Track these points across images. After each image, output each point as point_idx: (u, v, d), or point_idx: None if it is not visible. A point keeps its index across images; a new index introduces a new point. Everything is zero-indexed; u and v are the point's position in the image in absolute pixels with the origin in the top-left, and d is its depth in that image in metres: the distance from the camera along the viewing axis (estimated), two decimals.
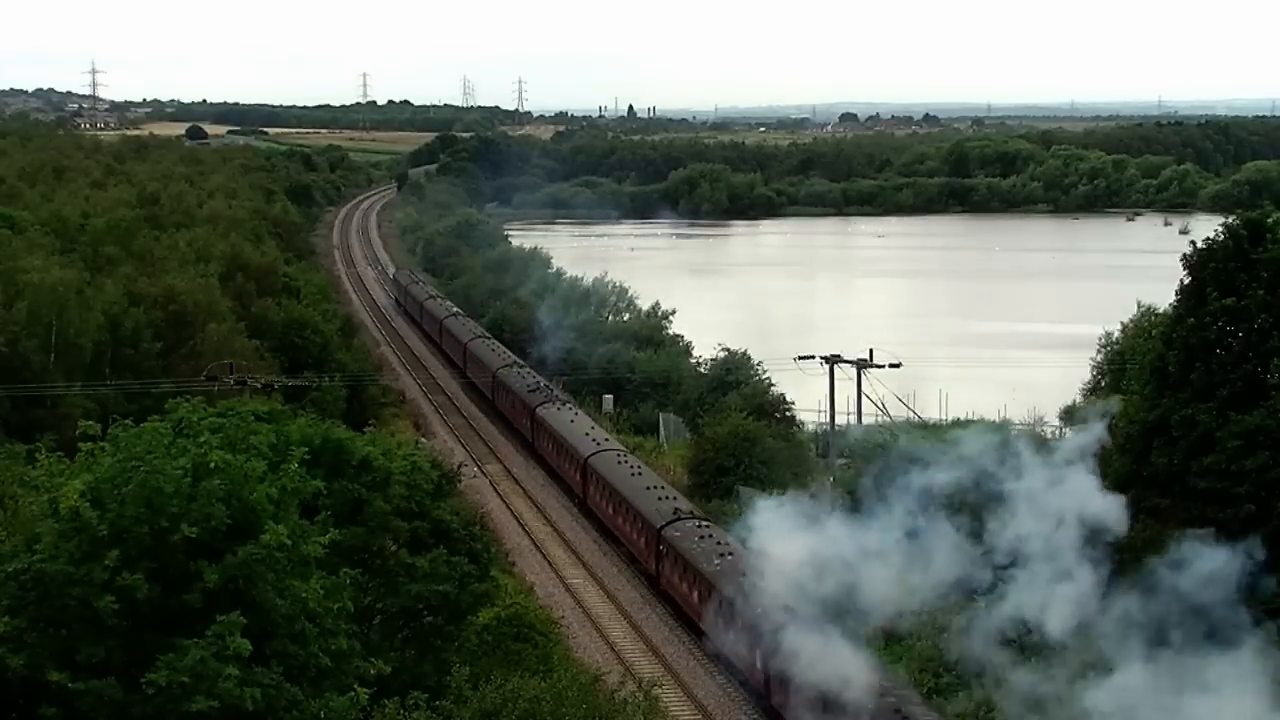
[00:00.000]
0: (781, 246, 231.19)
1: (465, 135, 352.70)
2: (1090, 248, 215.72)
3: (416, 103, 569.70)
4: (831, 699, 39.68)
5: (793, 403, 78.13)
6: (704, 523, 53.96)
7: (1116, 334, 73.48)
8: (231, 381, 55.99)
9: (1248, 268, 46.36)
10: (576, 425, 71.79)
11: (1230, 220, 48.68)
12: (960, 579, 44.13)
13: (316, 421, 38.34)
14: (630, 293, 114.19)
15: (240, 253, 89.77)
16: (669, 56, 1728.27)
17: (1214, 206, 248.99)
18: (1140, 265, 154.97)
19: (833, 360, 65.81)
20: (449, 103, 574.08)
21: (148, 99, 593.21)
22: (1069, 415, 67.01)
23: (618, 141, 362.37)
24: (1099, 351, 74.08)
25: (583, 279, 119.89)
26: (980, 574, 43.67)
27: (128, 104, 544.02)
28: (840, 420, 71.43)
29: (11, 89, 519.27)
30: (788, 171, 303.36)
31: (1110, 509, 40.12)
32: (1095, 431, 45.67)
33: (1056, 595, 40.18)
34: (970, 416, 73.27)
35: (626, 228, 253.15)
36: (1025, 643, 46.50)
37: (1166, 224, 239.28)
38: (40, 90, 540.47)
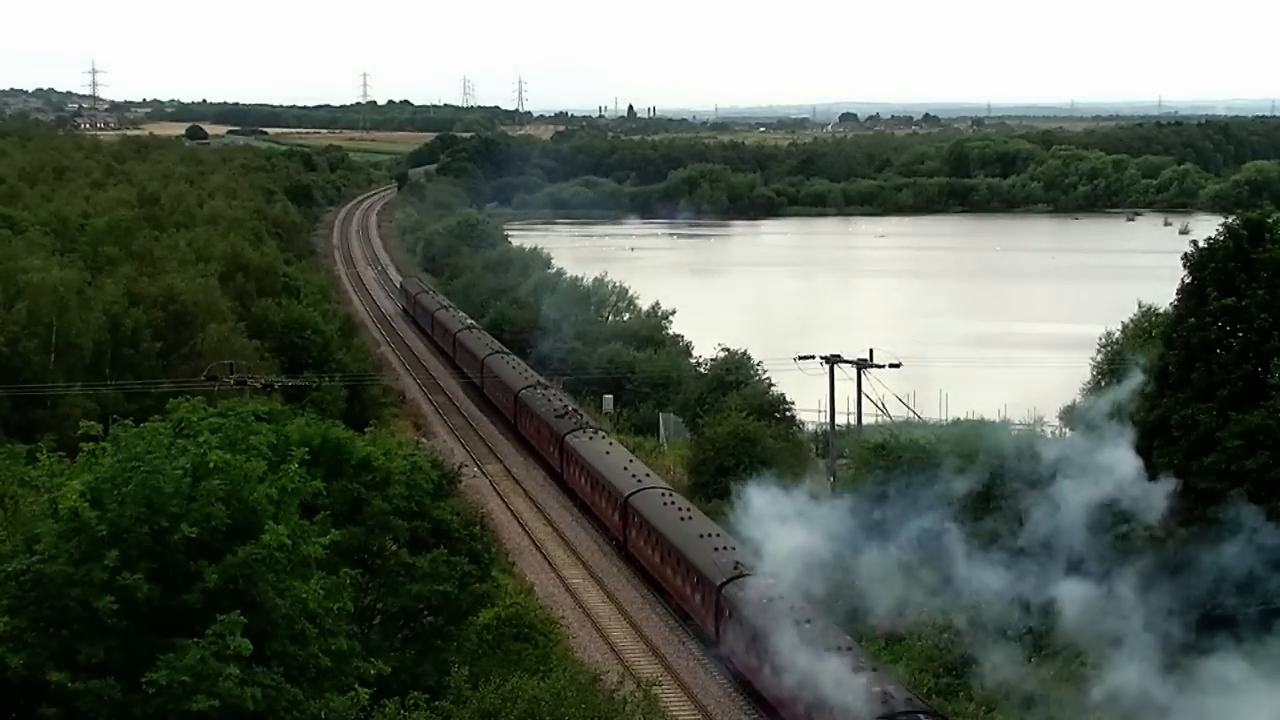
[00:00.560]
0: (782, 246, 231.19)
1: (465, 135, 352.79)
2: (1090, 248, 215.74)
3: (416, 103, 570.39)
4: None
5: (793, 403, 78.11)
6: (773, 583, 45.87)
7: (1117, 334, 73.42)
8: (231, 381, 55.99)
9: (1248, 268, 46.33)
10: (613, 458, 64.98)
11: (1230, 220, 48.64)
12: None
13: (316, 421, 38.34)
14: (630, 293, 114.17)
15: (240, 253, 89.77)
16: (669, 56, 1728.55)
17: (1214, 206, 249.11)
18: (1140, 265, 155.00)
19: (833, 360, 65.87)
20: (449, 103, 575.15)
21: (148, 99, 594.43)
22: (1069, 415, 66.91)
23: (618, 141, 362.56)
24: (1099, 351, 73.99)
25: (583, 279, 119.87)
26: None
27: (128, 104, 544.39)
28: (840, 420, 71.50)
29: (11, 89, 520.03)
30: (788, 171, 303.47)
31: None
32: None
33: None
34: (970, 416, 73.25)
35: (627, 228, 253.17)
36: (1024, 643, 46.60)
37: (1166, 224, 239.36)
38: (40, 90, 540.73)
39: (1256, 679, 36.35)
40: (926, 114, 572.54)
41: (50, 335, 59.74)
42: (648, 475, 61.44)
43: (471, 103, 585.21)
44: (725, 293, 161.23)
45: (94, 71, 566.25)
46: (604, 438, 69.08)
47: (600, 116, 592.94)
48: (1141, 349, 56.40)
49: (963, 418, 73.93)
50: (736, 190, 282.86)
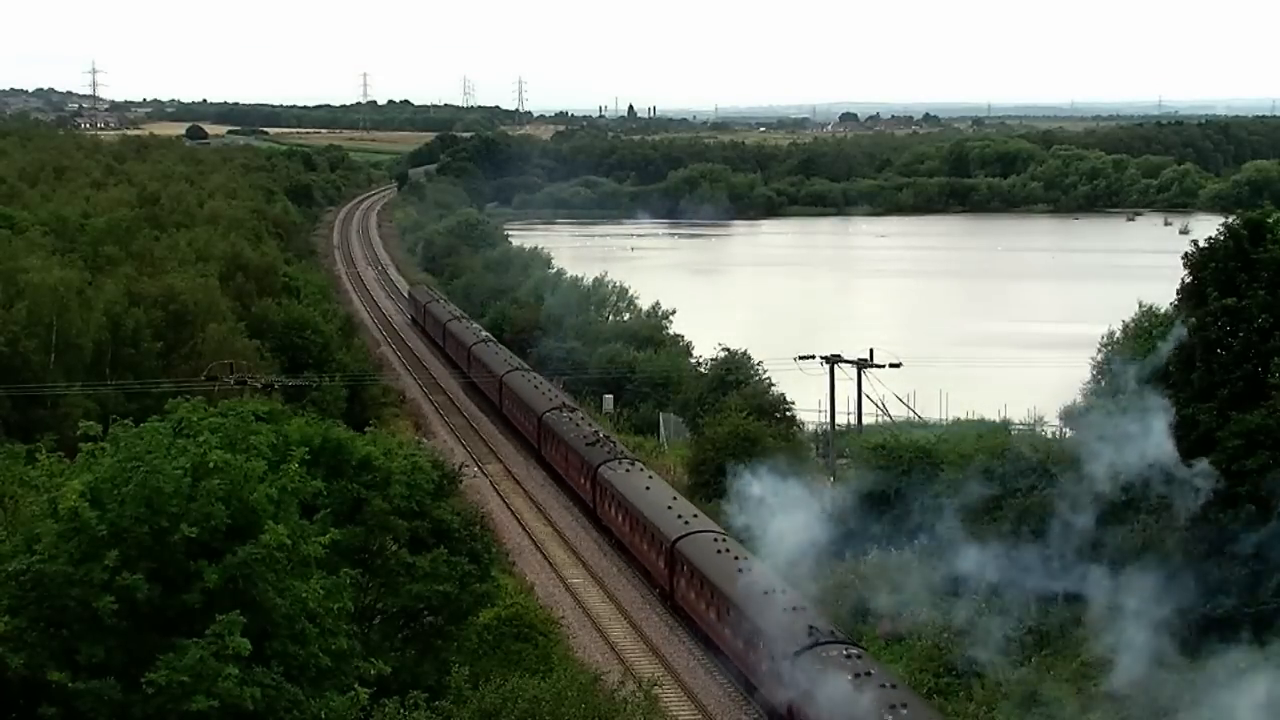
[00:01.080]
0: (782, 246, 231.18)
1: (465, 135, 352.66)
2: (1090, 247, 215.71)
3: (416, 103, 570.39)
4: None
5: (793, 402, 78.12)
6: (857, 653, 40.33)
7: (1118, 334, 73.44)
8: (231, 381, 55.98)
9: (1248, 268, 46.33)
10: (655, 494, 58.78)
11: (1230, 220, 48.65)
12: None
13: (316, 421, 38.31)
14: (630, 292, 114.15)
15: (240, 253, 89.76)
16: (669, 56, 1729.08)
17: (1214, 206, 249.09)
18: (1140, 265, 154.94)
19: (833, 360, 65.88)
20: (449, 103, 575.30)
21: (148, 99, 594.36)
22: (1069, 415, 66.91)
23: (618, 141, 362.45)
24: (1099, 351, 73.98)
25: (583, 279, 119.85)
26: None
27: (128, 104, 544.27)
28: (840, 420, 71.50)
29: (11, 89, 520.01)
30: (788, 171, 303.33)
31: None
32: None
33: None
34: (970, 416, 73.27)
35: (627, 227, 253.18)
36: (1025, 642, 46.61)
37: (1166, 224, 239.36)
38: (40, 90, 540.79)
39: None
40: (926, 114, 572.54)
41: (50, 335, 59.73)
42: (695, 516, 54.62)
43: (471, 103, 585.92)
44: (727, 293, 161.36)
45: (94, 71, 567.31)
46: (642, 470, 62.93)
47: (600, 116, 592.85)
48: (1141, 349, 56.41)
49: (963, 418, 73.98)
50: (736, 190, 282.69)
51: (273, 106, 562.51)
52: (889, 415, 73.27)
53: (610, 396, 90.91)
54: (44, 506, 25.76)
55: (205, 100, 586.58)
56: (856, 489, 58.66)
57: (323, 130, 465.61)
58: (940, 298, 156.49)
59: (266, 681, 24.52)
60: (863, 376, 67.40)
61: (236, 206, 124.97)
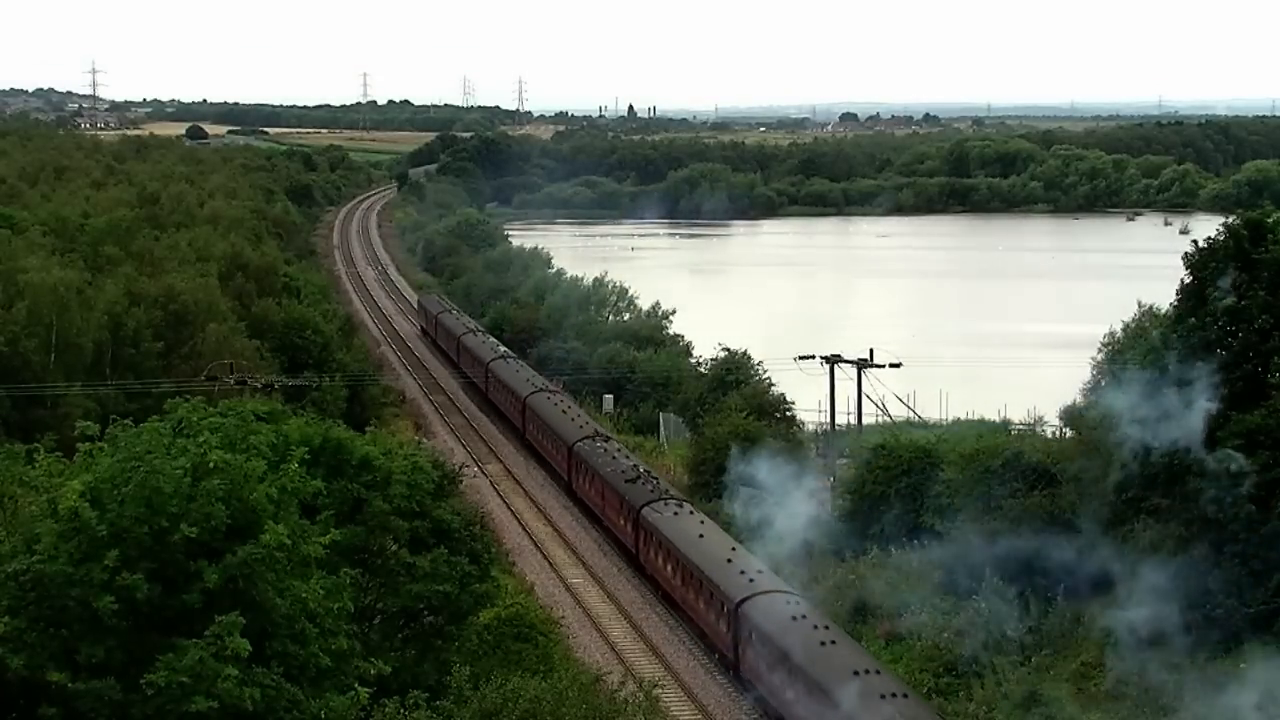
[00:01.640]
0: (783, 246, 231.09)
1: (465, 135, 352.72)
2: (1090, 247, 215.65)
3: (416, 103, 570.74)
4: None
5: (793, 402, 78.12)
6: None
7: (1119, 333, 73.43)
8: (231, 381, 56.00)
9: (1248, 268, 46.32)
10: (710, 544, 51.43)
11: (1231, 220, 48.63)
12: None
13: (316, 421, 38.31)
14: (630, 292, 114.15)
15: (240, 253, 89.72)
16: (669, 56, 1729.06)
17: (1214, 206, 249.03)
18: (1140, 265, 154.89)
19: (833, 360, 65.82)
20: (449, 103, 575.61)
21: (148, 99, 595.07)
22: (1069, 415, 66.88)
23: (618, 141, 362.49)
24: (1100, 350, 73.97)
25: (583, 279, 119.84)
26: None
27: (128, 104, 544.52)
28: (840, 420, 71.46)
29: (11, 89, 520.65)
30: (788, 171, 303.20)
31: None
32: None
33: None
34: (970, 416, 73.27)
35: (627, 227, 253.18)
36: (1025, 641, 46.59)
37: (1166, 224, 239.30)
38: (40, 90, 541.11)
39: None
40: (926, 114, 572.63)
41: (50, 335, 59.75)
42: (760, 572, 47.58)
43: (471, 103, 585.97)
44: (727, 293, 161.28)
45: (94, 71, 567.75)
46: (691, 513, 55.94)
47: (600, 116, 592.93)
48: (1141, 349, 56.33)
49: (963, 418, 73.98)
50: (737, 190, 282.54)
51: (273, 106, 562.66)
52: (889, 415, 73.24)
53: (610, 396, 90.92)
54: (44, 507, 25.74)
55: (205, 100, 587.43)
56: (856, 489, 58.74)
57: (323, 130, 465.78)
58: (940, 298, 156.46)
59: (266, 682, 24.50)
60: (863, 376, 67.35)
61: (236, 206, 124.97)
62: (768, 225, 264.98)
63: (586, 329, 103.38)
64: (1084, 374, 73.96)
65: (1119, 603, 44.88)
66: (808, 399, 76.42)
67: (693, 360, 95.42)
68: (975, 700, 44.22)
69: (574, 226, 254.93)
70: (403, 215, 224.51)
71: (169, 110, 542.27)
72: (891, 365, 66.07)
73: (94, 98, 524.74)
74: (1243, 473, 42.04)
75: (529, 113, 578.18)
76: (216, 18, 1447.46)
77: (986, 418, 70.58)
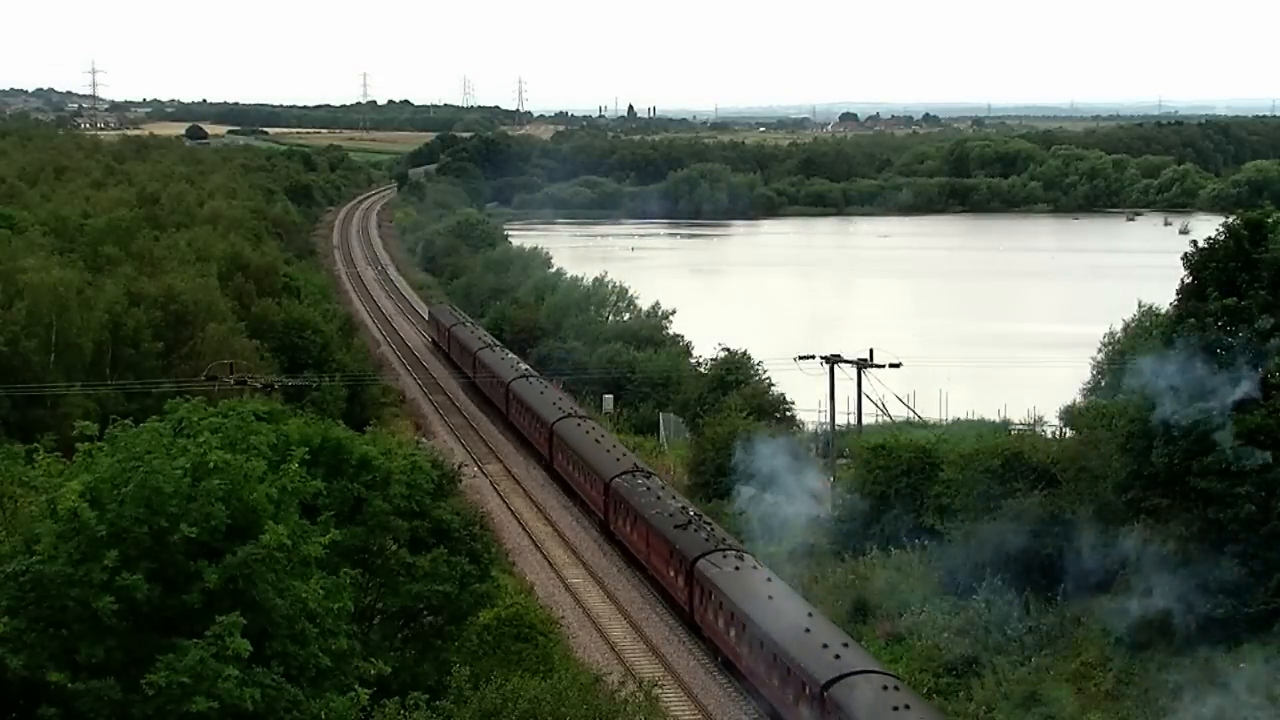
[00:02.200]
0: (784, 246, 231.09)
1: (465, 135, 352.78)
2: (1090, 247, 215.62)
3: (416, 103, 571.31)
4: None
5: (793, 402, 78.11)
6: None
7: (1119, 333, 73.47)
8: (231, 381, 55.99)
9: (1248, 267, 46.28)
10: (782, 607, 44.02)
11: (1231, 220, 48.59)
12: None
13: (316, 421, 38.30)
14: (630, 292, 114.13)
15: (240, 253, 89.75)
16: (669, 56, 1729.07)
17: (1214, 206, 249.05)
18: (1140, 265, 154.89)
19: (833, 360, 65.78)
20: (449, 103, 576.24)
21: (148, 99, 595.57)
22: (1069, 415, 66.92)
23: (618, 141, 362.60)
24: (1100, 350, 74.00)
25: (583, 279, 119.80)
26: None
27: (128, 104, 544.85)
28: (840, 420, 71.44)
29: (11, 89, 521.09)
30: (788, 171, 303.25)
31: None
32: None
33: None
34: (970, 416, 73.23)
35: (627, 227, 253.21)
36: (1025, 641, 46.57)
37: (1166, 224, 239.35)
38: (40, 90, 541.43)
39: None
40: (926, 114, 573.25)
41: (50, 335, 59.77)
42: (846, 646, 40.65)
43: (471, 103, 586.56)
44: (728, 292, 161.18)
45: (94, 71, 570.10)
46: (755, 568, 48.61)
47: (600, 116, 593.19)
48: (1141, 348, 56.34)
49: (963, 418, 73.94)
50: (736, 190, 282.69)
51: (273, 106, 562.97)
52: (889, 415, 73.23)
53: (610, 396, 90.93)
54: (43, 507, 25.71)
55: (205, 100, 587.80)
56: (856, 489, 58.72)
57: (323, 130, 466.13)
58: (940, 298, 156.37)
59: (266, 682, 24.49)
60: (862, 376, 67.33)
61: (236, 206, 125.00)
62: (767, 225, 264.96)
63: (586, 329, 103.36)
64: (1084, 374, 74.09)
65: (1119, 603, 44.90)
66: (808, 399, 76.45)
67: (693, 360, 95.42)
68: (975, 700, 44.23)
69: (574, 226, 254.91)
70: (403, 215, 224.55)
71: (169, 110, 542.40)
72: (891, 365, 66.04)
73: (94, 98, 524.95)
74: (1266, 466, 41.96)
75: (529, 113, 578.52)
76: (216, 18, 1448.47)
77: (986, 418, 70.52)
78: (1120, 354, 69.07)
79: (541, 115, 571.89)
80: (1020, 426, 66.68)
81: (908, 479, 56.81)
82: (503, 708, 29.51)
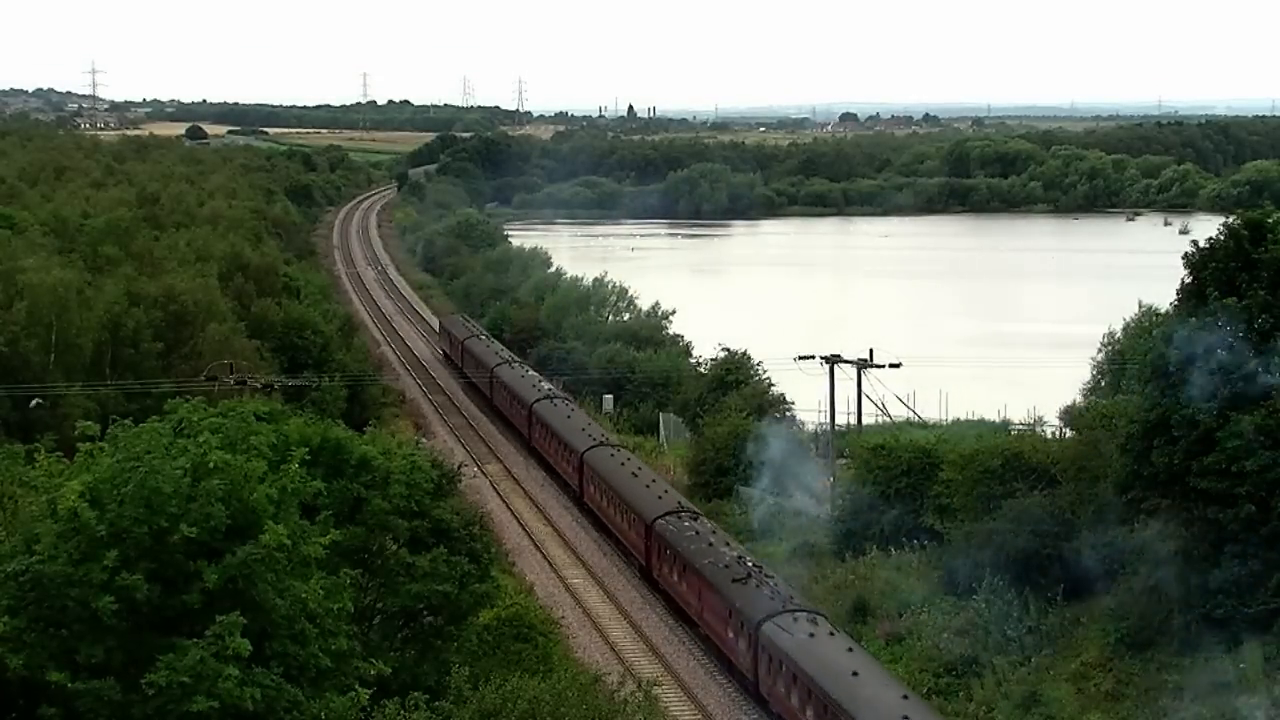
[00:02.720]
0: (784, 246, 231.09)
1: (465, 135, 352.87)
2: (1090, 248, 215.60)
3: (416, 103, 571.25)
4: None
5: (793, 403, 78.09)
6: None
7: (1119, 333, 73.49)
8: (231, 381, 55.96)
9: (1248, 267, 46.25)
10: (872, 687, 38.39)
11: (1231, 220, 48.57)
12: None
13: (316, 421, 38.29)
14: (630, 292, 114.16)
15: (240, 253, 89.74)
16: (669, 56, 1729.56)
17: (1214, 206, 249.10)
18: (1140, 265, 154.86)
19: (833, 360, 65.76)
20: (449, 103, 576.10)
21: (148, 99, 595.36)
22: (1069, 415, 66.92)
23: (618, 141, 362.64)
24: (1100, 350, 74.02)
25: (583, 279, 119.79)
26: None
27: (128, 104, 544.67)
28: (840, 420, 71.45)
29: (11, 89, 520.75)
30: (788, 171, 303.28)
31: None
32: None
33: None
34: (970, 416, 73.19)
35: (627, 227, 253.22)
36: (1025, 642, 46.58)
37: (1166, 224, 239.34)
38: (40, 90, 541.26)
39: None
40: (926, 114, 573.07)
41: (50, 335, 59.74)
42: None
43: (471, 103, 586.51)
44: (728, 292, 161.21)
45: (94, 71, 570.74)
46: (832, 634, 42.75)
47: (600, 116, 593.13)
48: (1141, 348, 56.32)
49: (963, 418, 73.91)
50: (736, 190, 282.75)
51: (273, 107, 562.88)
52: (889, 415, 73.21)
53: (610, 396, 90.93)
54: (43, 507, 25.72)
55: (205, 100, 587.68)
56: (856, 488, 58.73)
57: (323, 130, 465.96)
58: (940, 298, 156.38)
59: (266, 682, 24.49)
60: (862, 376, 67.31)
61: (236, 206, 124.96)
62: (767, 225, 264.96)
63: (586, 329, 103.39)
64: (1084, 374, 74.12)
65: (1118, 603, 44.90)
66: (808, 399, 76.45)
67: (692, 360, 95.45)
68: (975, 700, 44.23)
69: (574, 226, 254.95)
70: (403, 215, 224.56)
71: (169, 110, 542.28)
72: (891, 365, 66.02)
73: (94, 98, 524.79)
74: (1266, 467, 41.96)
75: (529, 113, 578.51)
76: (216, 18, 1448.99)
77: (986, 418, 70.51)
78: (1120, 354, 69.12)
79: (541, 115, 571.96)
80: (1020, 427, 66.66)
81: (908, 479, 56.81)
82: (502, 708, 29.50)
